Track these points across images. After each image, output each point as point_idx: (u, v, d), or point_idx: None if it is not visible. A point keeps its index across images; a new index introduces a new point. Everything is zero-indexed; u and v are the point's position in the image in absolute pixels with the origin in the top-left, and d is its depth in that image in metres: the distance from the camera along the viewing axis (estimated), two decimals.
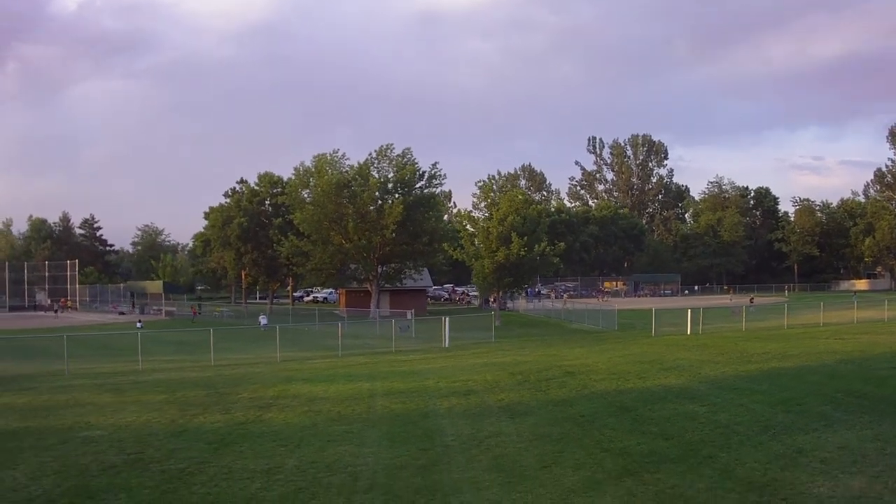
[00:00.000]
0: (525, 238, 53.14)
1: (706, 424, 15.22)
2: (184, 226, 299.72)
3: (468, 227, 60.32)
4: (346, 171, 68.20)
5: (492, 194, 61.72)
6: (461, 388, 21.93)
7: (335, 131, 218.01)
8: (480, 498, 10.95)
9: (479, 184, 63.11)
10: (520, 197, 63.00)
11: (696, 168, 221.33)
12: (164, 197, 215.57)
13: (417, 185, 68.77)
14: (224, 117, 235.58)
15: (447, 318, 40.75)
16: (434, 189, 69.88)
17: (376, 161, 68.50)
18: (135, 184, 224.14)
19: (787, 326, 43.41)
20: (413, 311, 55.40)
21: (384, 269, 70.23)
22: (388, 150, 68.30)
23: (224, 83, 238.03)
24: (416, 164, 68.52)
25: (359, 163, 68.24)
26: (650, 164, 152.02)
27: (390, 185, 68.25)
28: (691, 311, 43.19)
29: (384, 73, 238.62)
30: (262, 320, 56.71)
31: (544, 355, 31.31)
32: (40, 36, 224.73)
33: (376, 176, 67.79)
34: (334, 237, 66.70)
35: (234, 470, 12.83)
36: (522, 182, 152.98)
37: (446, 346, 39.04)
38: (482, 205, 63.72)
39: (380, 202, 67.71)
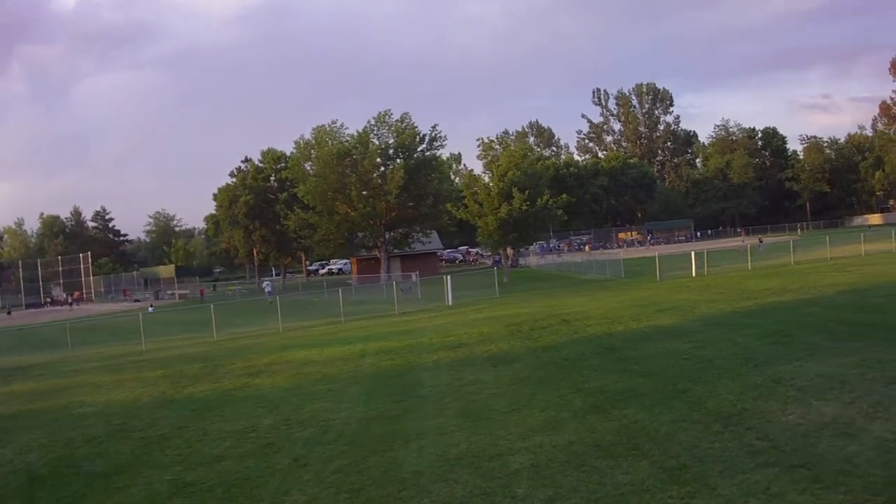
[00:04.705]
0: (527, 192, 52.67)
1: (688, 360, 15.01)
2: (200, 210, 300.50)
3: (469, 185, 59.70)
4: (347, 141, 67.90)
5: (492, 151, 60.84)
6: (453, 342, 21.99)
7: (344, 104, 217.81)
8: (440, 442, 11.05)
9: (478, 142, 61.39)
10: (519, 152, 62.32)
11: (707, 114, 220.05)
12: (179, 183, 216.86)
13: (419, 149, 68.35)
14: (232, 99, 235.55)
15: (449, 277, 40.81)
16: (436, 151, 69.55)
17: (376, 128, 68.19)
18: (147, 173, 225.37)
19: (795, 263, 42.88)
20: (417, 272, 55.27)
21: (391, 234, 70.14)
22: (387, 116, 67.94)
23: (229, 65, 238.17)
24: (416, 127, 68.14)
25: (358, 131, 67.93)
26: (656, 112, 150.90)
27: (391, 151, 67.89)
28: (695, 254, 43.06)
29: (388, 42, 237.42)
30: (267, 287, 57.09)
31: (545, 306, 31.19)
32: (42, 36, 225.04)
33: (376, 143, 67.47)
34: (339, 207, 66.64)
35: (210, 432, 13.14)
36: (531, 139, 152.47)
37: (450, 304, 39.00)
38: (482, 162, 63.01)
39: (382, 168, 67.44)
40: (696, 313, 22.60)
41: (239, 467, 10.78)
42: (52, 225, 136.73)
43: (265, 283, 60.14)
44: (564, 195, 57.93)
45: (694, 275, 40.99)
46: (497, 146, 62.36)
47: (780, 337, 16.64)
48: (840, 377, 11.95)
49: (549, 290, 43.76)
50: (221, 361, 23.01)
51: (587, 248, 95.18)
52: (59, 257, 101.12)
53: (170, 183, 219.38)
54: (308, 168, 70.86)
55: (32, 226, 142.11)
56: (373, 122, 68.17)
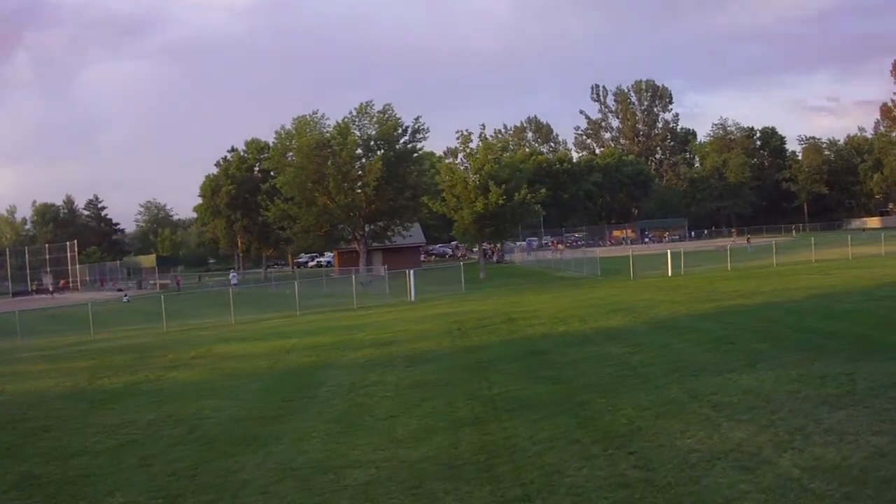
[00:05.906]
0: (503, 186, 51.38)
1: (612, 367, 13.80)
2: (196, 200, 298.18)
3: (446, 178, 58.07)
4: (328, 132, 66.57)
5: (470, 143, 59.37)
6: (386, 339, 21.18)
7: (349, 98, 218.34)
8: (293, 448, 10.43)
9: (457, 134, 59.57)
10: (497, 145, 60.93)
11: (712, 114, 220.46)
12: (179, 173, 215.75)
13: (401, 141, 66.96)
14: (234, 90, 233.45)
15: (412, 272, 39.81)
16: (417, 143, 68.07)
17: (357, 119, 66.71)
18: (147, 163, 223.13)
19: (777, 265, 41.83)
20: (385, 266, 54.19)
21: (371, 227, 68.86)
22: (369, 108, 66.45)
23: (232, 56, 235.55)
24: (399, 119, 66.63)
25: (338, 122, 66.56)
26: (655, 110, 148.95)
27: (372, 143, 66.54)
28: (671, 254, 42.10)
29: (393, 36, 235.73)
30: (233, 279, 57.37)
31: (503, 303, 30.20)
32: (40, 24, 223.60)
33: (357, 134, 66.15)
34: (318, 198, 65.33)
35: (91, 426, 12.85)
36: (529, 134, 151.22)
37: (412, 299, 37.93)
38: (461, 155, 61.38)
39: (362, 160, 66.07)
40: (649, 315, 21.42)
41: (89, 464, 10.46)
42: (44, 213, 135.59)
43: (231, 274, 59.73)
44: (543, 190, 56.55)
45: (669, 274, 40.01)
46: (475, 139, 60.29)
47: (724, 344, 15.41)
48: (768, 394, 10.59)
49: (519, 287, 42.71)
50: (154, 353, 22.58)
51: (561, 247, 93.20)
52: (47, 245, 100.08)
53: (169, 173, 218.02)
54: (288, 158, 69.56)
55: (26, 213, 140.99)
56: (354, 112, 66.75)
